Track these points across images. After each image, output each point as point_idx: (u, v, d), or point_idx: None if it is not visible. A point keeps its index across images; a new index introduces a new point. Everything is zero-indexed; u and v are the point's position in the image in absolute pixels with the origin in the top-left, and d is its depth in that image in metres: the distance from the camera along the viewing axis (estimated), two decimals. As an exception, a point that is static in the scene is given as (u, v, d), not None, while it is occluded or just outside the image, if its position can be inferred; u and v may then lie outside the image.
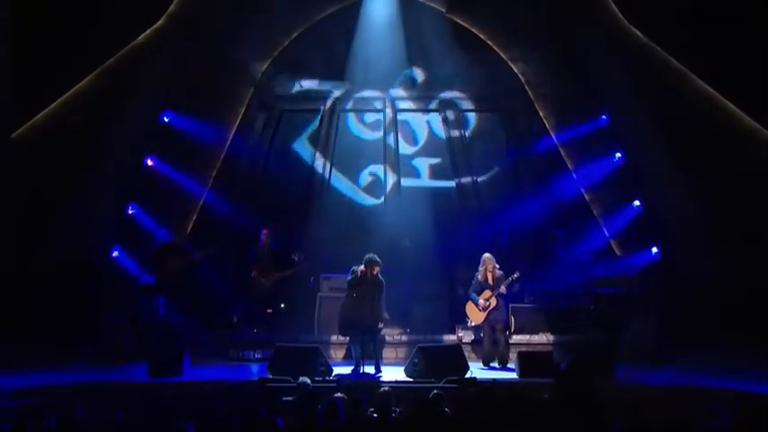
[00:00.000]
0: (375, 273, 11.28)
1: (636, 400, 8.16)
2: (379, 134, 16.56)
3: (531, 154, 15.93)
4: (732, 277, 13.16)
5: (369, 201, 15.72)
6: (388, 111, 16.56)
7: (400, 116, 16.71)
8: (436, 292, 14.30)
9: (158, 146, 14.86)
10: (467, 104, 16.61)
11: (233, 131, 15.80)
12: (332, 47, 15.83)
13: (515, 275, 12.19)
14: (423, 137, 16.76)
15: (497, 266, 12.35)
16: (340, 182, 16.24)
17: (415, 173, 16.54)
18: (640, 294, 13.44)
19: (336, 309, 11.88)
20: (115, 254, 14.21)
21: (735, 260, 13.24)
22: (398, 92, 16.51)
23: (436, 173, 16.44)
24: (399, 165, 16.37)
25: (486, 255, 12.39)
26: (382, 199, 15.94)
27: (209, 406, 7.85)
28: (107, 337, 12.64)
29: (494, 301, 12.11)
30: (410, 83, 16.44)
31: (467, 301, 12.42)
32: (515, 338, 13.08)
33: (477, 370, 11.36)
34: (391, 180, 16.23)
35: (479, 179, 16.13)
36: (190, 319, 13.27)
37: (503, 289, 12.13)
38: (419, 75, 16.46)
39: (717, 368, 11.28)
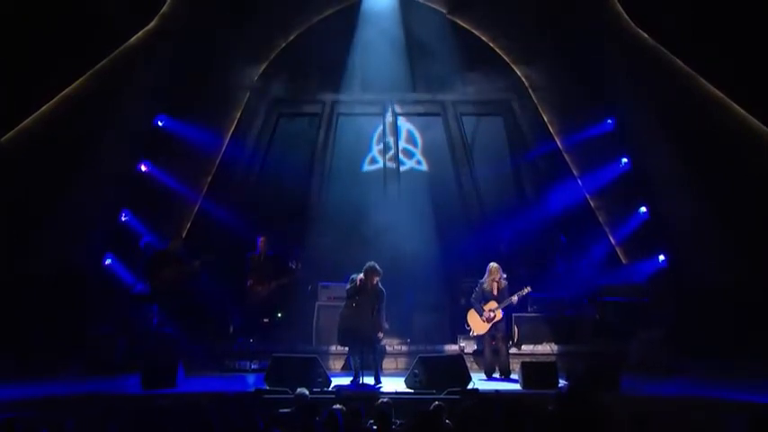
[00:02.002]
0: (375, 282, 11.26)
1: (643, 412, 8.15)
2: (379, 138, 16.59)
3: (535, 159, 15.97)
4: (742, 285, 13.16)
5: (368, 207, 15.70)
6: (388, 114, 16.58)
7: (401, 120, 16.75)
8: (437, 302, 14.29)
9: (152, 151, 14.89)
10: (469, 108, 16.63)
11: (229, 136, 15.83)
12: (330, 49, 15.88)
13: (526, 290, 12.20)
14: (424, 141, 16.77)
15: (504, 276, 12.33)
16: (338, 188, 16.23)
17: (416, 178, 16.55)
18: (647, 303, 13.46)
19: (335, 318, 11.84)
20: (108, 262, 14.23)
21: (745, 267, 13.24)
22: (398, 95, 16.52)
23: (437, 178, 16.46)
24: (399, 170, 16.39)
25: (493, 264, 12.32)
26: (382, 205, 15.91)
27: (205, 418, 7.83)
28: (99, 348, 12.61)
29: (499, 314, 12.08)
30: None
31: (469, 309, 12.39)
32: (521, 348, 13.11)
33: (479, 381, 11.35)
34: (391, 185, 16.24)
35: (481, 185, 16.11)
36: (184, 329, 13.26)
37: (514, 299, 12.12)
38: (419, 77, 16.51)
39: (727, 379, 11.26)
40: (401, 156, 16.62)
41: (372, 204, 15.48)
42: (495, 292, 12.18)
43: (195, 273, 13.49)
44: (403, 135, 16.90)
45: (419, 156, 16.92)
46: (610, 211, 15.25)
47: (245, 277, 13.77)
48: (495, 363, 12.21)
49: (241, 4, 14.90)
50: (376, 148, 16.71)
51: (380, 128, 16.66)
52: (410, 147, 16.90)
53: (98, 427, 7.88)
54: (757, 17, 12.72)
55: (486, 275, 12.29)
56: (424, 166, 16.85)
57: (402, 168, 16.49)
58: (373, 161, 16.63)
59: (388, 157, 16.46)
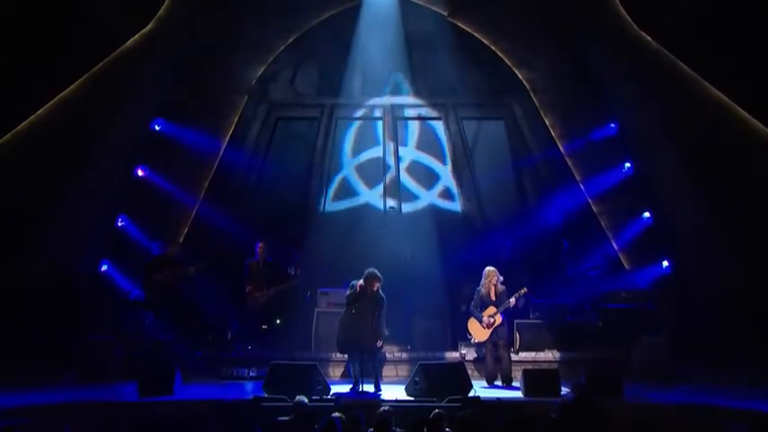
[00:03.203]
0: (375, 288, 11.30)
1: (646, 419, 8.19)
2: (378, 142, 16.64)
3: (537, 163, 16.00)
4: (747, 291, 13.18)
5: (368, 212, 15.71)
6: (387, 118, 16.60)
7: (401, 123, 16.76)
8: (438, 308, 14.32)
9: (149, 155, 14.94)
10: (470, 111, 16.66)
11: (226, 140, 15.84)
12: (329, 52, 15.92)
13: (522, 291, 12.19)
14: (424, 146, 16.78)
15: (501, 280, 12.36)
16: (338, 193, 16.26)
17: (416, 183, 16.57)
18: (651, 310, 13.50)
19: (334, 325, 11.87)
20: (104, 268, 14.29)
21: (750, 273, 13.26)
22: (398, 99, 16.55)
23: (438, 183, 16.48)
24: (399, 175, 16.42)
25: (489, 268, 12.38)
26: (382, 210, 15.95)
27: (202, 426, 7.89)
28: (96, 355, 12.65)
29: (498, 319, 12.11)
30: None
31: (469, 317, 12.43)
32: (521, 356, 13.12)
33: (480, 389, 11.38)
34: (391, 191, 16.26)
35: (482, 189, 16.15)
36: (181, 335, 13.31)
37: (513, 301, 12.12)
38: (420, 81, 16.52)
39: (731, 387, 11.30)
40: (401, 160, 16.59)
41: (372, 209, 15.52)
42: (494, 297, 12.20)
43: (190, 277, 13.52)
44: (403, 138, 16.83)
45: (419, 160, 16.89)
46: (613, 216, 15.26)
47: (243, 283, 13.85)
48: (496, 370, 12.23)
49: (239, 6, 14.93)
50: (375, 153, 16.71)
51: (380, 131, 16.68)
52: (410, 151, 16.87)
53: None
54: (761, 19, 12.75)
55: (482, 280, 12.34)
56: (425, 171, 16.78)
57: (402, 173, 16.46)
58: (372, 166, 16.59)
59: (387, 161, 16.47)
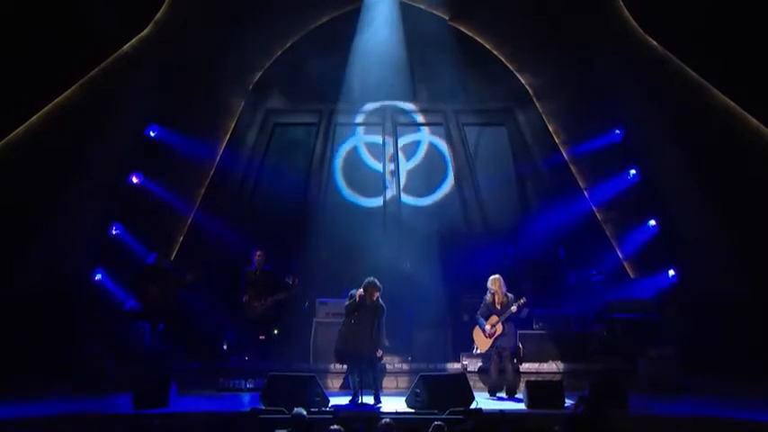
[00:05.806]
0: (375, 298, 11.30)
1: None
2: (378, 147, 16.69)
3: (540, 170, 16.03)
4: (755, 300, 13.21)
5: (368, 220, 15.72)
6: (387, 124, 16.63)
7: (401, 130, 16.82)
8: (439, 318, 14.26)
9: (144, 162, 14.97)
10: (471, 117, 16.69)
11: (223, 146, 15.90)
12: (328, 56, 15.94)
13: (521, 301, 12.16)
14: (425, 152, 16.82)
15: (505, 289, 12.33)
16: (337, 200, 16.27)
17: (417, 190, 16.59)
18: (656, 320, 13.50)
19: (333, 335, 11.87)
20: (98, 277, 14.32)
21: (757, 283, 13.29)
22: (398, 104, 16.60)
23: (439, 190, 16.49)
24: (400, 181, 16.45)
25: (492, 276, 12.32)
26: (382, 218, 15.96)
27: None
28: (89, 366, 12.63)
29: (499, 328, 12.08)
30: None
31: (475, 325, 12.42)
32: (524, 367, 13.11)
33: (483, 400, 11.38)
34: (391, 198, 16.30)
35: (484, 197, 16.17)
36: (177, 346, 13.32)
37: (514, 309, 12.09)
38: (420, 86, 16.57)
39: (738, 399, 11.32)
40: (401, 166, 16.62)
41: (372, 217, 15.52)
42: (499, 306, 12.20)
43: (183, 287, 13.55)
44: (404, 145, 16.85)
45: (420, 166, 16.82)
46: (617, 224, 15.29)
47: (240, 293, 13.87)
48: (500, 381, 12.19)
49: (237, 10, 14.98)
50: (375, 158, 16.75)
51: (379, 137, 16.74)
52: (411, 157, 16.85)
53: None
54: (763, 19, 12.79)
55: (488, 288, 12.33)
56: (426, 178, 16.72)
57: (402, 179, 16.46)
58: (372, 172, 16.62)
59: (387, 167, 16.50)
